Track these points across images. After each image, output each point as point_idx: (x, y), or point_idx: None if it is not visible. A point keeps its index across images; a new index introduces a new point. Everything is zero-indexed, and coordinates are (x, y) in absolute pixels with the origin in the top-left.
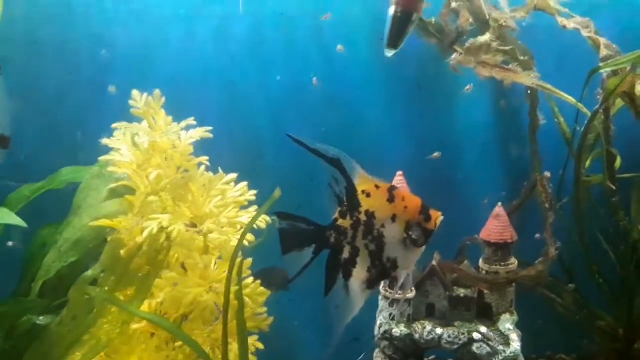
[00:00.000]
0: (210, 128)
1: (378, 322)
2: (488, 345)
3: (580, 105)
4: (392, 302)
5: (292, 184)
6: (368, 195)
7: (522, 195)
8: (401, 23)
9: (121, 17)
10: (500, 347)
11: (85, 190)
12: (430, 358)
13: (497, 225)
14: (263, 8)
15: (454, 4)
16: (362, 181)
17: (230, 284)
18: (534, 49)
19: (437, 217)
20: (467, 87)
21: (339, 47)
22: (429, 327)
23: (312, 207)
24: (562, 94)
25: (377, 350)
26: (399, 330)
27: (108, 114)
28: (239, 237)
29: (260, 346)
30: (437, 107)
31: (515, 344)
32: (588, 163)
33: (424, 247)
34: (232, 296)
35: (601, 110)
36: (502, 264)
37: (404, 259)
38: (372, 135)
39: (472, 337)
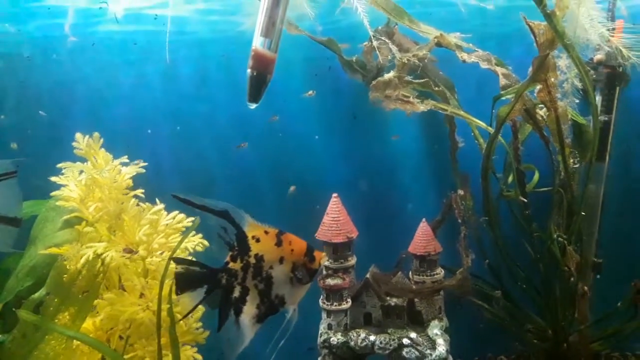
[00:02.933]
0: (145, 164)
1: (319, 332)
2: (416, 349)
3: (490, 128)
4: (329, 313)
5: (241, 208)
6: (257, 240)
7: (442, 211)
8: (257, 83)
9: (77, 66)
10: (428, 351)
11: (42, 221)
12: None
13: (421, 239)
14: (206, 51)
15: (375, 43)
16: (252, 228)
17: (161, 302)
18: (460, 77)
19: (321, 257)
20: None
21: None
22: (363, 335)
23: None
24: (473, 118)
25: (319, 358)
26: (336, 338)
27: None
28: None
29: (199, 357)
30: (372, 134)
31: (441, 348)
32: (510, 179)
33: (309, 284)
34: (164, 313)
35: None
36: (428, 274)
37: (291, 295)
38: (312, 162)
39: (402, 343)
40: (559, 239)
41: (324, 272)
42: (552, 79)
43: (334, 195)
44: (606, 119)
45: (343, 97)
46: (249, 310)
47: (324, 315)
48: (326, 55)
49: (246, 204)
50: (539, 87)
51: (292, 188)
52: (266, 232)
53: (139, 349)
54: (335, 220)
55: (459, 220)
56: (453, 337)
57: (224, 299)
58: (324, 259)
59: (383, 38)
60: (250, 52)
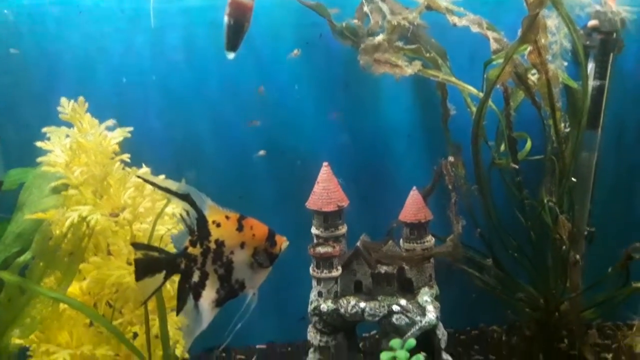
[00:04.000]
0: (130, 128)
1: (310, 300)
2: (406, 316)
3: (481, 94)
4: (319, 281)
5: (232, 179)
6: (218, 225)
7: (433, 178)
8: (234, 31)
9: (64, 33)
10: (418, 318)
11: (29, 188)
12: (371, 333)
13: (412, 207)
14: (194, 18)
15: (365, 8)
16: (213, 212)
17: None
18: (453, 45)
19: (282, 242)
20: None
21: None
22: (352, 302)
23: (251, 198)
24: (464, 84)
25: (310, 326)
26: (326, 306)
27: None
28: (168, 226)
29: (184, 322)
30: (364, 103)
31: (431, 315)
32: (502, 147)
33: (269, 269)
34: None
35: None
36: (419, 241)
37: (251, 280)
38: (304, 131)
39: (392, 310)
40: (550, 204)
41: (315, 240)
42: (543, 40)
43: (325, 163)
44: (598, 84)
45: (334, 65)
46: (208, 295)
47: (314, 283)
48: (317, 21)
49: (235, 173)
50: (529, 49)
51: (261, 152)
52: (227, 217)
53: (126, 314)
54: (326, 188)
55: (450, 187)
56: (445, 307)
57: (183, 284)
58: (285, 244)
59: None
60: None
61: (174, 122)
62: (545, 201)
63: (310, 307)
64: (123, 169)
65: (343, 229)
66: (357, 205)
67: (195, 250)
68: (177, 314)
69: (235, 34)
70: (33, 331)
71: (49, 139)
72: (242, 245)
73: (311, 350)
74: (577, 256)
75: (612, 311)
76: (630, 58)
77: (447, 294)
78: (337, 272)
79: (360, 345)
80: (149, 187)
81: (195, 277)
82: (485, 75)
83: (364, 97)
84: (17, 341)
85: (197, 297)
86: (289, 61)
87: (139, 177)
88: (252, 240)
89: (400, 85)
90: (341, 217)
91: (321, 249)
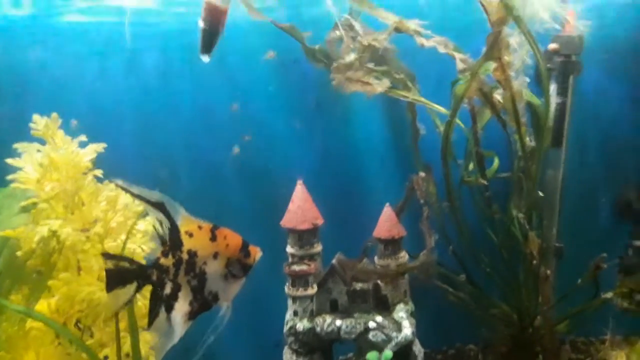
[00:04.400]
0: (104, 145)
1: (285, 320)
2: (383, 332)
3: (449, 112)
4: (295, 299)
5: (207, 198)
6: (191, 235)
7: (405, 195)
8: (209, 35)
9: (39, 55)
10: (394, 334)
11: None
12: (347, 356)
13: (385, 223)
14: (169, 42)
15: (337, 32)
16: (185, 222)
17: None
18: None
19: (256, 252)
20: None
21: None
22: (329, 320)
23: (226, 217)
24: (433, 104)
25: (286, 347)
26: (302, 325)
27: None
28: (139, 243)
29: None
30: (335, 123)
31: (407, 330)
32: (471, 166)
33: (243, 279)
34: None
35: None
36: (393, 257)
37: (225, 291)
38: (277, 150)
39: (368, 327)
40: (519, 216)
41: (290, 259)
42: (506, 57)
43: (299, 181)
44: (559, 101)
45: (307, 86)
46: (181, 307)
47: (289, 302)
48: (292, 46)
49: (210, 192)
50: (494, 66)
51: (235, 149)
52: (200, 227)
53: (96, 332)
54: (301, 207)
55: (422, 202)
56: (421, 327)
57: (154, 295)
58: (259, 254)
59: (350, 20)
60: (203, 4)
61: (149, 143)
62: (515, 214)
63: (286, 328)
64: (95, 184)
65: (318, 247)
66: (330, 223)
67: (168, 261)
68: (149, 327)
69: (210, 38)
70: None
71: (20, 155)
72: (216, 255)
73: None
74: (548, 271)
75: (585, 326)
76: (589, 80)
77: (423, 314)
78: (312, 290)
79: None
80: (121, 202)
81: (168, 289)
82: (452, 93)
83: (336, 118)
84: None
85: (169, 309)
86: (263, 83)
87: (115, 184)
88: (226, 251)
89: (372, 107)
90: (316, 235)
91: (296, 267)
